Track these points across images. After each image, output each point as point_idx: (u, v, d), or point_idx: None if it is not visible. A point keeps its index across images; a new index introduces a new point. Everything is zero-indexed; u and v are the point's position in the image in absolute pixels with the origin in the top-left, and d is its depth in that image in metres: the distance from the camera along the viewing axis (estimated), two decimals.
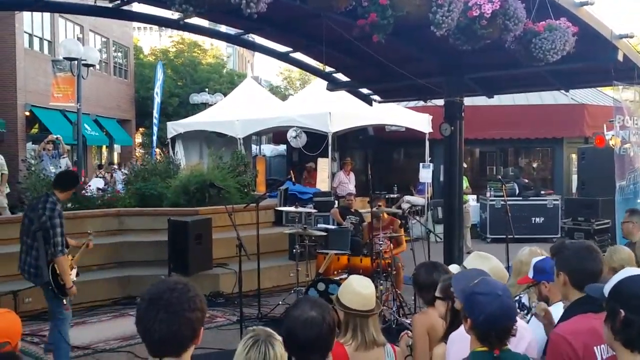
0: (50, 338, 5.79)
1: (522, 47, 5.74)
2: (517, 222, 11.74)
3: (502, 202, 9.89)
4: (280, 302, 7.72)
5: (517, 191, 13.82)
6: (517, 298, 3.60)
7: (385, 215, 8.20)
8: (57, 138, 12.81)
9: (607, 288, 2.11)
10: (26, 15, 19.42)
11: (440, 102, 8.64)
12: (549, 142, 16.07)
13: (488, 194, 13.98)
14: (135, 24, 32.89)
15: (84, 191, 10.65)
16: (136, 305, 1.98)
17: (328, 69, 9.02)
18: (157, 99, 22.29)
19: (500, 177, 12.62)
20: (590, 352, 2.53)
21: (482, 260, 3.29)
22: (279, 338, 2.36)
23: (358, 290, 3.18)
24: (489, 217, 13.67)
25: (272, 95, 21.16)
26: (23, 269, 5.69)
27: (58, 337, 5.57)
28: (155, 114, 22.15)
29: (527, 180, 14.88)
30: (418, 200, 14.54)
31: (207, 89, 26.01)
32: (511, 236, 8.27)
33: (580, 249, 2.90)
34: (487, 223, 13.71)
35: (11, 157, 17.90)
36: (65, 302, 5.60)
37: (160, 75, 22.72)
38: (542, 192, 14.34)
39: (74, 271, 5.86)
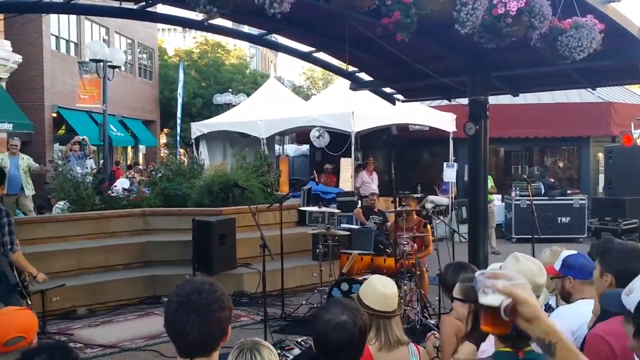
0: None
1: (548, 45, 5.66)
2: (543, 222, 11.59)
3: (528, 202, 9.78)
4: (303, 302, 7.73)
5: (543, 191, 13.64)
6: (547, 303, 3.55)
7: (414, 216, 8.14)
8: (83, 139, 12.99)
9: (632, 301, 2.04)
10: (53, 17, 19.75)
11: (464, 100, 8.57)
12: (575, 140, 15.84)
13: (513, 194, 13.83)
14: (160, 26, 33.27)
15: (110, 191, 10.79)
16: (163, 306, 1.99)
17: (351, 68, 9.00)
18: (179, 100, 22.50)
19: (525, 176, 12.46)
20: (629, 354, 2.48)
21: (515, 262, 3.16)
22: (267, 345, 2.40)
23: (381, 291, 3.16)
24: (514, 217, 13.52)
25: (295, 95, 21.20)
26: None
27: None
28: (179, 114, 22.36)
29: (552, 180, 14.68)
30: (442, 200, 14.44)
31: (230, 90, 26.18)
32: (537, 236, 8.16)
33: (628, 251, 2.83)
34: (513, 223, 13.56)
35: (39, 158, 18.19)
36: (29, 302, 5.52)
37: (181, 76, 22.92)
38: (569, 191, 14.14)
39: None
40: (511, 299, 1.87)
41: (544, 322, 1.87)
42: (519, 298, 1.90)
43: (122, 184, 13.66)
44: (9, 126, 16.49)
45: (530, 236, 8.17)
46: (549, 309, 3.56)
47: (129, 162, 25.85)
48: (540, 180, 13.93)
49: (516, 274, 2.02)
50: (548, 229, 12.44)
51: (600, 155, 15.05)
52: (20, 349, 2.78)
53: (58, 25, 20.98)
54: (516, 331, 2.22)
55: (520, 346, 2.27)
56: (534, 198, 9.54)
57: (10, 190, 11.00)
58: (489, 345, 2.71)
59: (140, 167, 21.41)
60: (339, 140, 13.89)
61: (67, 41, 21.92)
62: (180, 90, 22.56)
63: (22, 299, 5.44)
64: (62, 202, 11.00)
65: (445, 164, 14.16)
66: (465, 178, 12.24)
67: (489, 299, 1.99)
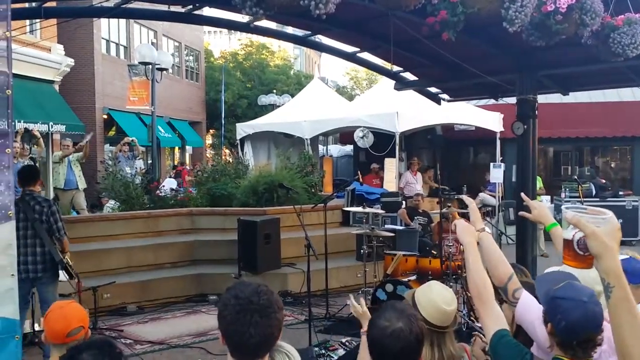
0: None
1: (600, 42, 5.52)
2: None
3: (578, 203, 9.51)
4: (347, 303, 7.69)
5: (594, 192, 13.25)
6: None
7: (457, 216, 8.04)
8: (132, 140, 13.30)
9: None
10: (103, 22, 20.29)
11: (512, 100, 8.41)
12: (627, 140, 15.34)
13: (563, 195, 13.47)
14: (206, 28, 33.78)
15: (158, 191, 11.03)
16: (212, 304, 2.01)
17: (396, 68, 8.95)
18: (222, 101, 22.83)
19: (576, 177, 12.16)
20: None
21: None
22: (287, 350, 2.36)
23: (442, 308, 2.96)
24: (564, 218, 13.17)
25: (339, 96, 21.20)
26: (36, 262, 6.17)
27: None
28: (222, 115, 22.66)
29: (604, 181, 14.25)
30: (490, 199, 14.20)
31: (274, 91, 26.38)
32: None
33: None
34: (562, 225, 13.21)
35: (90, 158, 18.74)
36: None
37: (223, 78, 23.24)
38: (621, 192, 13.69)
39: None
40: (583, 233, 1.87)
41: (608, 262, 1.85)
42: (586, 231, 1.88)
43: (169, 183, 13.93)
44: (62, 127, 17.02)
45: None
46: None
47: (175, 163, 26.34)
48: (591, 181, 13.55)
49: (606, 210, 1.98)
50: None
51: None
52: (80, 338, 2.94)
53: (108, 29, 21.55)
54: (578, 342, 2.15)
55: (581, 357, 2.19)
56: (585, 199, 9.28)
57: (67, 186, 11.45)
58: (534, 349, 2.65)
59: (187, 167, 21.79)
60: (383, 141, 13.81)
61: (117, 44, 22.49)
62: (223, 92, 22.90)
63: (69, 277, 6.13)
64: (112, 202, 11.30)
65: (492, 164, 13.91)
66: (513, 179, 12.00)
67: (565, 232, 2.04)
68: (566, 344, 2.18)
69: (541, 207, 3.02)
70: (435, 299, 2.99)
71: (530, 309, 2.61)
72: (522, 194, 3.11)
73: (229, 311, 1.93)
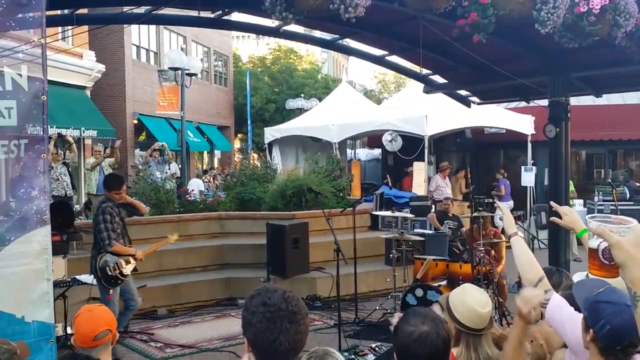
0: None
1: (634, 44, 5.43)
2: None
3: (612, 207, 9.32)
4: (377, 307, 7.68)
5: (628, 195, 12.97)
6: None
7: (489, 226, 7.92)
8: (162, 145, 13.46)
9: None
10: (134, 28, 20.59)
11: (544, 102, 8.28)
12: None
13: (596, 199, 13.20)
14: (234, 33, 33.99)
15: (187, 196, 11.13)
16: (240, 309, 1.99)
17: (425, 71, 8.89)
18: (248, 105, 22.98)
19: (609, 180, 11.90)
20: None
21: None
22: (338, 356, 2.36)
23: (477, 311, 2.98)
24: None
25: (367, 99, 21.15)
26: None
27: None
28: (248, 120, 22.80)
29: (638, 184, 13.94)
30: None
31: (302, 95, 26.42)
32: None
33: None
34: None
35: (121, 163, 19.00)
36: (111, 292, 6.29)
37: (249, 81, 23.40)
38: None
39: (130, 266, 6.47)
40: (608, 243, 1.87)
41: (633, 271, 1.82)
42: (610, 241, 1.87)
43: (197, 186, 14.03)
44: (93, 133, 17.31)
45: None
46: None
47: (204, 167, 26.56)
48: (625, 185, 13.27)
49: (631, 219, 1.98)
50: None
51: None
52: (107, 341, 3.00)
53: (139, 35, 21.86)
54: (622, 347, 2.10)
55: None
56: (619, 203, 9.08)
57: (100, 191, 11.69)
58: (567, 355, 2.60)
59: (215, 171, 21.96)
60: (411, 144, 13.73)
61: (147, 50, 22.80)
62: (249, 96, 23.07)
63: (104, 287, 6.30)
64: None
65: (523, 167, 13.73)
66: (545, 182, 11.82)
67: (591, 242, 2.02)
68: (609, 349, 2.14)
69: (572, 213, 2.97)
70: (469, 301, 3.01)
71: (561, 310, 2.58)
72: (552, 202, 3.04)
73: (258, 318, 1.90)
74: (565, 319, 2.54)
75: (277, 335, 1.88)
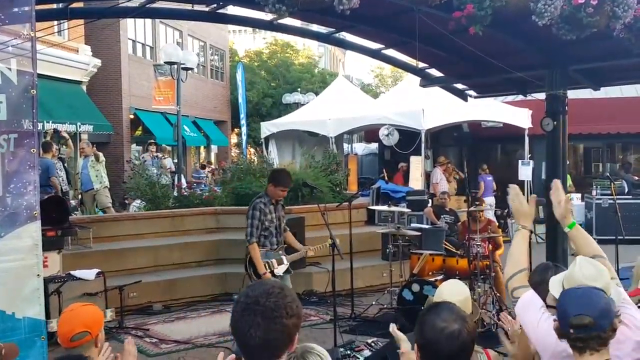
0: None
1: (633, 35, 5.37)
2: (627, 222, 10.96)
3: (610, 201, 9.30)
4: (374, 303, 7.64)
5: (627, 189, 12.95)
6: None
7: (483, 216, 7.91)
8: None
9: None
10: (130, 22, 20.49)
11: (541, 95, 8.22)
12: None
13: (594, 192, 13.20)
14: (231, 27, 33.90)
15: (182, 191, 11.08)
16: (234, 302, 1.96)
17: (421, 64, 8.82)
18: (240, 99, 22.92)
19: (607, 174, 11.88)
20: None
21: (572, 265, 2.87)
22: (319, 352, 2.31)
23: (449, 298, 3.02)
24: (595, 216, 12.90)
25: (364, 94, 21.10)
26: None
27: None
28: (242, 114, 22.72)
29: (637, 178, 13.93)
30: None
31: (299, 89, 26.35)
32: (621, 237, 7.74)
33: None
34: (593, 223, 12.94)
35: (117, 158, 18.98)
36: None
37: (239, 76, 23.31)
38: None
39: (282, 267, 6.08)
40: None
41: None
42: None
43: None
44: (89, 128, 17.26)
45: (614, 237, 7.76)
46: None
47: (201, 162, 26.49)
48: (624, 178, 13.25)
49: None
50: (633, 229, 11.76)
51: None
52: (87, 343, 2.92)
53: (135, 30, 21.76)
54: (573, 327, 2.10)
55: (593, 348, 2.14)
56: (617, 197, 9.05)
57: (84, 188, 11.69)
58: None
59: (213, 166, 21.92)
60: (408, 138, 13.69)
61: (143, 45, 22.70)
62: (241, 90, 22.94)
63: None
64: (138, 201, 11.39)
65: (520, 161, 13.69)
66: (543, 176, 11.78)
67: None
68: (565, 334, 2.15)
69: (563, 205, 2.90)
70: (442, 293, 3.14)
71: (529, 309, 2.58)
72: (551, 193, 2.96)
73: (236, 308, 1.90)
74: (534, 319, 2.53)
75: (248, 328, 1.85)
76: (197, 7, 7.07)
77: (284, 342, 1.90)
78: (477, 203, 7.74)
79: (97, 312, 3.09)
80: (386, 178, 12.86)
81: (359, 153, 21.80)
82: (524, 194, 10.17)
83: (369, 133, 18.63)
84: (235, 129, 31.96)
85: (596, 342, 2.14)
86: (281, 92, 27.92)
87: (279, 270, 5.99)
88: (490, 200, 13.38)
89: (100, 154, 12.00)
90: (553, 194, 2.89)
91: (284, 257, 6.10)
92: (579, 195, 13.60)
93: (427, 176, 13.76)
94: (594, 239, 10.33)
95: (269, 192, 6.04)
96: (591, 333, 2.12)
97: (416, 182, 13.22)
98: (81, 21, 12.87)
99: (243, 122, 22.96)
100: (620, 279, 4.76)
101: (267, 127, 17.65)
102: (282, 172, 6.65)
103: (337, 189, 10.99)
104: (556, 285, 2.51)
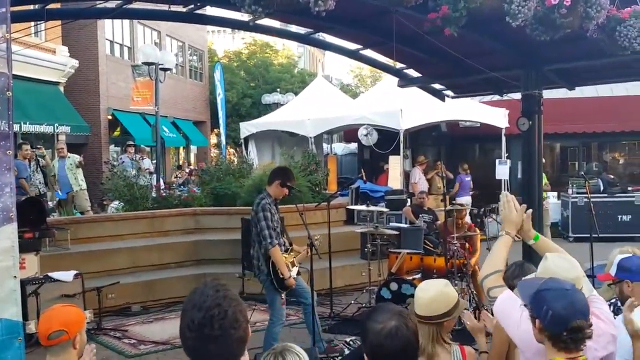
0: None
1: (606, 36, 5.43)
2: (602, 220, 11.18)
3: (586, 199, 9.44)
4: (352, 302, 7.68)
5: (602, 187, 13.17)
6: (612, 301, 3.39)
7: (465, 220, 7.98)
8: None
9: None
10: (107, 23, 20.31)
11: (517, 95, 8.33)
12: (636, 135, 15.25)
13: (570, 191, 13.40)
14: (210, 28, 33.77)
15: (161, 191, 11.02)
16: (181, 320, 1.92)
17: (399, 65, 8.89)
18: (218, 100, 22.84)
19: (583, 173, 12.06)
20: None
21: (543, 261, 2.76)
22: (297, 351, 2.32)
23: (417, 295, 3.08)
24: (571, 215, 13.10)
25: (343, 94, 21.14)
26: (251, 263, 6.04)
27: (266, 339, 5.70)
28: (221, 114, 22.65)
29: (612, 176, 14.16)
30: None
31: (278, 89, 26.31)
32: (596, 235, 7.87)
33: None
34: (569, 221, 13.14)
35: (95, 159, 18.79)
36: (282, 297, 5.78)
37: (217, 75, 23.22)
38: (630, 188, 13.58)
39: (295, 269, 5.92)
40: None
41: None
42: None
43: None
44: (67, 129, 17.06)
45: (589, 235, 7.89)
46: (617, 310, 3.35)
47: (180, 163, 26.34)
48: (599, 177, 13.46)
49: None
50: (607, 227, 11.99)
51: None
52: (63, 343, 2.91)
53: (112, 30, 21.57)
54: (567, 331, 2.14)
55: (572, 350, 2.17)
56: (593, 195, 9.19)
57: (63, 190, 11.56)
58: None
59: (192, 167, 21.80)
60: (387, 138, 13.76)
61: (121, 45, 22.50)
62: (220, 91, 22.86)
63: (275, 291, 5.71)
64: (116, 202, 11.30)
65: (497, 160, 13.84)
66: (519, 175, 11.94)
67: None
68: (556, 335, 2.17)
69: (520, 220, 2.97)
70: (416, 290, 3.13)
71: (508, 308, 2.61)
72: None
73: (184, 335, 1.88)
74: (511, 317, 2.57)
75: (204, 357, 1.88)
76: (175, 8, 7.04)
77: (241, 349, 1.93)
78: (457, 204, 7.80)
79: (78, 314, 3.07)
80: (365, 178, 12.92)
81: (339, 153, 21.83)
82: (501, 192, 10.27)
83: (348, 133, 18.67)
84: (215, 130, 31.83)
85: (585, 340, 2.21)
86: (260, 92, 27.84)
87: (293, 272, 5.87)
88: (466, 199, 13.52)
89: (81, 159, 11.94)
90: (506, 207, 2.94)
91: (294, 259, 5.98)
92: (555, 193, 13.79)
93: (407, 176, 13.86)
94: (570, 236, 10.67)
95: (273, 191, 5.94)
96: (585, 334, 2.19)
97: (395, 181, 13.30)
98: (58, 22, 12.72)
99: (222, 122, 22.85)
100: (593, 277, 4.86)
101: (247, 128, 17.60)
102: (288, 169, 6.59)
103: (317, 189, 11.00)
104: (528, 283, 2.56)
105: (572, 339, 2.17)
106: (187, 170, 20.07)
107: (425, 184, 13.31)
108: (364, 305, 7.48)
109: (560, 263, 2.58)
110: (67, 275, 6.82)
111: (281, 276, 5.62)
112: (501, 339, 3.34)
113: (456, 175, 14.45)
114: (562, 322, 2.15)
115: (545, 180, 12.17)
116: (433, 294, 3.03)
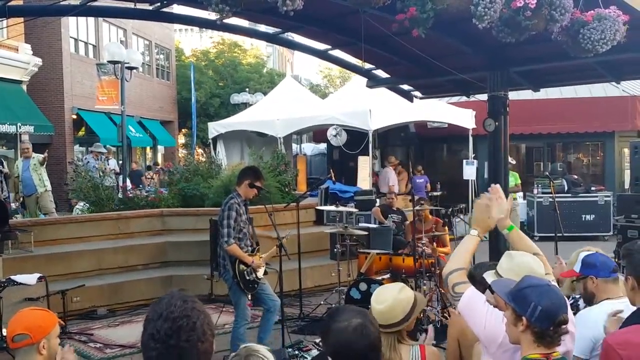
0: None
1: (570, 38, 5.51)
2: (567, 220, 11.40)
3: (550, 199, 9.61)
4: (322, 302, 7.66)
5: (566, 187, 13.41)
6: (574, 299, 3.45)
7: (429, 216, 8.06)
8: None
9: None
10: (71, 20, 19.93)
11: (483, 96, 8.44)
12: (599, 136, 15.57)
13: (535, 191, 13.62)
14: (177, 26, 33.46)
15: (128, 192, 10.85)
16: (145, 333, 1.87)
17: (367, 65, 8.92)
18: (192, 99, 22.64)
19: (547, 173, 12.28)
20: None
21: (508, 259, 2.77)
22: (262, 354, 2.26)
23: (373, 306, 2.94)
24: (537, 214, 13.32)
25: (312, 94, 21.14)
26: (218, 262, 5.99)
27: (232, 340, 5.65)
28: (193, 114, 22.46)
29: (576, 176, 14.43)
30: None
31: (247, 89, 26.18)
32: (560, 234, 8.01)
33: None
34: (535, 221, 13.35)
35: (59, 159, 18.42)
36: (248, 299, 5.76)
37: (193, 76, 23.05)
38: (593, 188, 13.87)
39: (262, 269, 5.90)
40: None
41: None
42: None
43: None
44: (30, 128, 16.68)
45: (554, 234, 8.02)
46: (575, 308, 3.43)
47: (148, 163, 26.00)
48: (563, 177, 13.70)
49: None
50: (572, 226, 12.23)
51: (626, 150, 14.74)
52: (27, 347, 2.84)
53: (77, 28, 21.17)
54: (554, 325, 2.15)
55: (551, 345, 2.19)
56: (557, 195, 9.36)
57: (27, 192, 11.28)
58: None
59: (159, 167, 21.53)
60: (356, 139, 13.80)
61: (86, 43, 22.11)
62: (193, 91, 22.68)
63: (241, 292, 5.69)
64: (82, 203, 11.09)
65: (464, 161, 14.00)
66: (486, 175, 12.08)
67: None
68: (544, 331, 2.18)
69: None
70: (372, 301, 2.99)
71: (473, 304, 2.64)
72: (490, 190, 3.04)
73: (147, 352, 1.84)
74: (477, 313, 2.58)
75: None
76: (140, 6, 6.93)
77: (208, 357, 1.90)
78: (421, 203, 7.86)
79: (46, 318, 2.97)
80: (334, 178, 12.93)
81: (308, 153, 21.82)
82: (468, 193, 10.39)
83: (318, 133, 18.69)
84: (183, 129, 31.52)
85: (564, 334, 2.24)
86: (229, 92, 27.68)
87: (260, 273, 5.86)
88: None
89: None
90: (494, 198, 2.96)
91: (262, 259, 5.96)
92: (521, 193, 14.00)
93: (375, 175, 13.92)
94: (535, 235, 10.85)
95: (243, 191, 5.89)
96: (566, 328, 2.22)
97: (364, 182, 13.34)
98: (20, 19, 12.42)
99: (193, 122, 22.65)
100: None
101: (215, 128, 17.45)
102: (257, 169, 6.53)
103: (286, 190, 10.96)
104: (492, 276, 2.59)
105: (556, 333, 2.19)
106: (156, 169, 19.84)
107: (397, 185, 13.41)
108: (333, 305, 7.47)
109: (531, 259, 2.62)
110: (30, 278, 6.65)
111: (245, 273, 5.65)
112: (452, 335, 3.36)
113: (412, 179, 14.62)
114: (551, 317, 2.18)
115: (517, 180, 12.39)
116: (390, 304, 2.93)
